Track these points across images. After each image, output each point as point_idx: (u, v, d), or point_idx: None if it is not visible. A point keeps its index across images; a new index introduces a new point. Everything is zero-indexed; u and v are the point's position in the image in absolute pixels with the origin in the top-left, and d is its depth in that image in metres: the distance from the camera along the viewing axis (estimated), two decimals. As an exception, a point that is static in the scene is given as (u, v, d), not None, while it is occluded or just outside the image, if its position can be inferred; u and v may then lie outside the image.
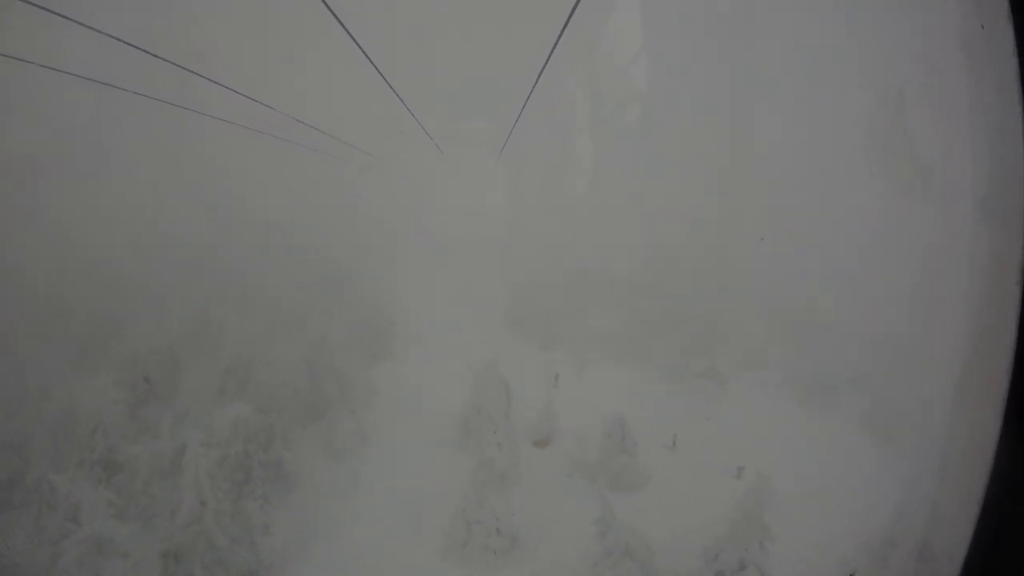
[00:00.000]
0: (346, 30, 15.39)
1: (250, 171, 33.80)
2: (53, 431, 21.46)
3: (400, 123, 30.92)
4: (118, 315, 29.66)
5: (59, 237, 29.70)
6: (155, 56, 20.85)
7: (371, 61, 18.57)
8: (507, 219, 37.94)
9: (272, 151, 33.39)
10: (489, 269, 35.88)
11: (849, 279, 29.54)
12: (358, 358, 28.92)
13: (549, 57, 16.59)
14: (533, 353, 33.53)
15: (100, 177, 31.56)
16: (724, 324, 33.78)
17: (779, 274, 31.78)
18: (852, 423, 27.20)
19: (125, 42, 19.75)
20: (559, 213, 37.71)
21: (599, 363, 32.87)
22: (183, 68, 22.89)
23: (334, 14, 14.16)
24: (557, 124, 36.52)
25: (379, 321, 32.66)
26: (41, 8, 16.88)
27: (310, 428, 24.71)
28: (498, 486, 19.17)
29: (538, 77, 19.29)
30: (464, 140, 36.01)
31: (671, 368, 32.09)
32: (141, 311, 30.25)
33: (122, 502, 19.93)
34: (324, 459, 23.62)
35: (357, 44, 16.44)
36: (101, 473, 20.52)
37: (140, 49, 20.15)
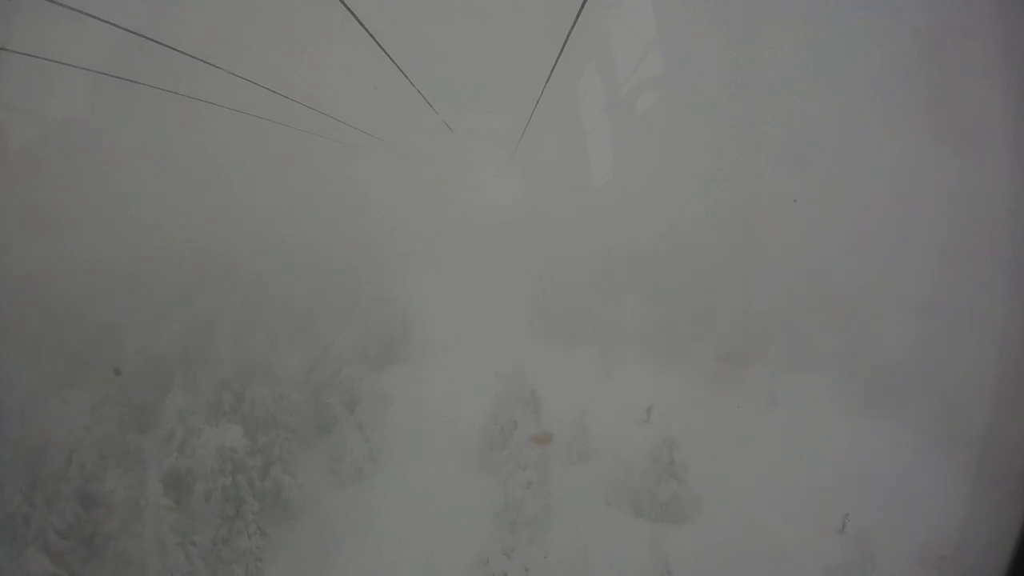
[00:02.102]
0: (358, 20, 13.97)
1: (254, 162, 31.07)
2: (29, 456, 19.04)
3: (413, 110, 27.90)
4: (111, 322, 27.35)
5: (55, 237, 27.44)
6: (157, 42, 18.67)
7: (385, 51, 16.67)
8: (528, 212, 34.77)
9: (279, 141, 30.61)
10: (511, 264, 32.84)
11: (890, 247, 26.32)
12: (369, 365, 26.23)
13: (565, 44, 15.50)
14: (562, 356, 30.58)
15: (99, 173, 29.16)
16: (765, 317, 30.40)
17: (817, 249, 29.02)
18: (921, 431, 23.82)
19: (129, 30, 18.02)
20: (581, 204, 34.63)
21: (633, 364, 29.90)
22: (182, 52, 20.38)
23: (348, 8, 13.06)
24: (576, 112, 33.34)
25: (394, 322, 29.77)
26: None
27: (314, 448, 22.06)
28: (527, 530, 16.20)
29: (554, 65, 17.86)
30: (480, 131, 33.04)
31: (713, 370, 29.10)
32: (136, 318, 27.98)
33: (99, 542, 17.65)
34: (330, 484, 20.95)
35: (370, 34, 14.96)
36: (77, 507, 18.09)
37: (144, 36, 18.27)
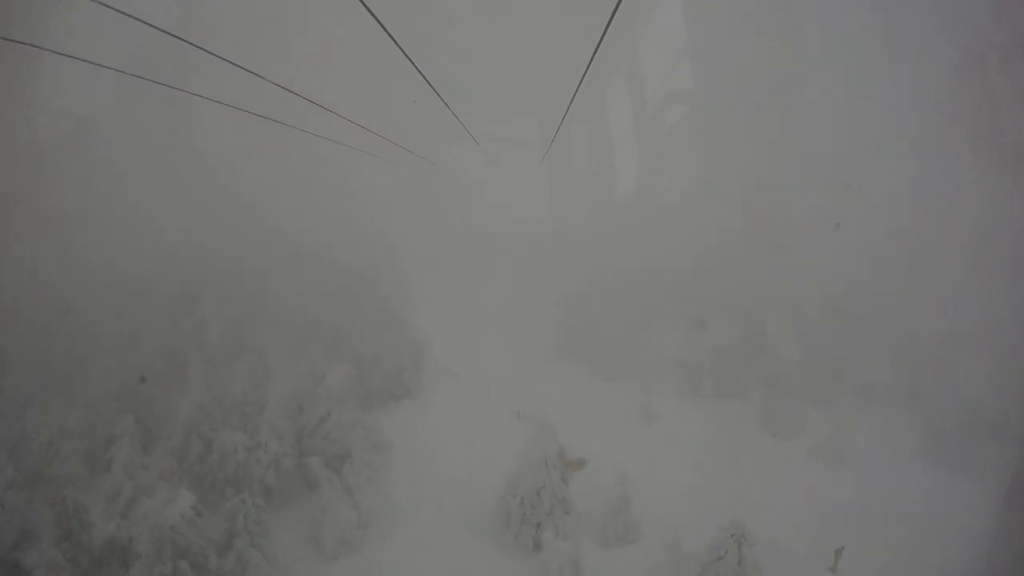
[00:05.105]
0: (386, 30, 12.67)
1: (265, 167, 27.72)
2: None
3: (437, 120, 24.83)
4: (94, 332, 24.18)
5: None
6: (180, 39, 17.16)
7: (412, 62, 15.06)
8: (556, 226, 31.07)
9: (292, 145, 27.27)
10: (536, 282, 29.04)
11: (943, 272, 23.49)
12: (369, 403, 22.52)
13: (593, 56, 14.46)
14: (594, 392, 26.64)
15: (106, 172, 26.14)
16: (814, 344, 27.03)
17: (865, 274, 25.72)
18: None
19: (150, 24, 16.81)
20: (611, 221, 31.24)
21: (676, 406, 26.00)
22: (203, 49, 17.73)
23: (370, 11, 11.83)
24: (605, 122, 30.42)
25: (403, 347, 25.96)
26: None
27: (296, 505, 18.25)
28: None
29: (583, 77, 16.45)
30: (506, 142, 29.83)
31: (767, 411, 24.90)
32: (117, 329, 24.73)
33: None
34: (311, 557, 17.11)
35: (398, 45, 13.67)
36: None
37: (160, 30, 16.95)
